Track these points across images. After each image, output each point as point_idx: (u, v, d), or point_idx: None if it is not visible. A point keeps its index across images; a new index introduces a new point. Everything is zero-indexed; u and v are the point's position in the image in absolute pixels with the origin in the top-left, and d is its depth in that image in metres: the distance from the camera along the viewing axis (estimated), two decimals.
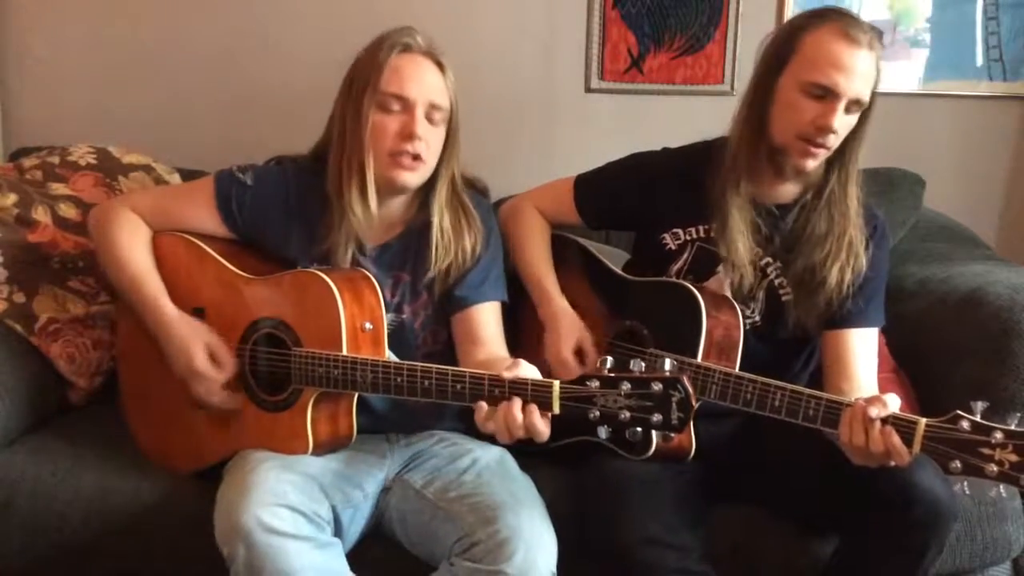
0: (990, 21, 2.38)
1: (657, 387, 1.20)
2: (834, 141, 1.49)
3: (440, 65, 1.52)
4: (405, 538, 1.51)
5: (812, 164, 1.52)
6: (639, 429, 1.22)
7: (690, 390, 1.19)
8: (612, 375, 1.23)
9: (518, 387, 1.30)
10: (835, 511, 1.50)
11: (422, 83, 1.48)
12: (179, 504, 1.57)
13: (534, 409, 1.29)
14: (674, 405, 1.20)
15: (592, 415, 1.23)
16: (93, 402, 1.90)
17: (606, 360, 1.25)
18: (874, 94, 1.50)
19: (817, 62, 1.46)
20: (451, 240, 1.56)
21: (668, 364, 1.22)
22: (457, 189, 1.59)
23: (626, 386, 1.21)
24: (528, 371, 1.33)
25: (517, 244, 1.74)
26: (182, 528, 1.51)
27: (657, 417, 1.20)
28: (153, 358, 1.59)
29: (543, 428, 1.29)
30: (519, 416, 1.29)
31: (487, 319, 1.59)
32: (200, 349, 1.51)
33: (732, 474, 1.60)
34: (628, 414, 1.21)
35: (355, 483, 1.50)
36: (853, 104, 1.47)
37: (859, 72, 1.45)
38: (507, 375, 1.31)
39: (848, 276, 1.54)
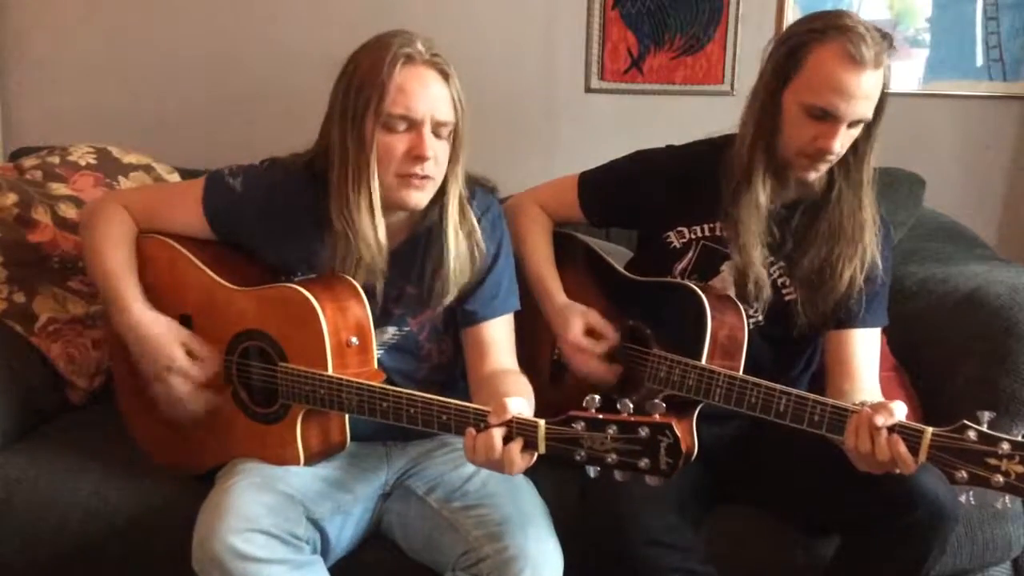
0: (990, 21, 2.38)
1: (644, 432, 1.16)
2: (835, 157, 1.49)
3: (445, 74, 1.42)
4: (406, 544, 1.51)
5: (814, 176, 1.52)
6: (628, 473, 1.19)
7: (679, 435, 1.15)
8: (599, 416, 1.19)
9: (503, 425, 1.27)
10: (837, 512, 1.50)
11: (428, 99, 1.39)
12: (179, 504, 1.56)
13: (517, 442, 1.25)
14: (663, 450, 1.16)
15: (578, 456, 1.20)
16: (93, 402, 1.90)
17: (594, 399, 1.22)
18: (884, 94, 1.48)
19: (819, 85, 1.44)
20: (466, 255, 1.50)
21: (657, 406, 1.18)
22: (464, 203, 1.51)
23: (612, 429, 1.18)
24: (518, 409, 1.28)
25: (519, 242, 1.73)
26: (182, 528, 1.50)
27: (645, 462, 1.17)
28: None
29: (519, 461, 1.25)
30: (498, 446, 1.25)
31: (497, 333, 1.54)
32: (176, 345, 1.47)
33: (734, 475, 1.60)
34: (615, 457, 1.18)
35: (347, 488, 1.49)
36: (856, 122, 1.46)
37: (862, 95, 1.43)
38: (493, 420, 1.27)
39: (859, 278, 1.53)
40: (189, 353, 1.49)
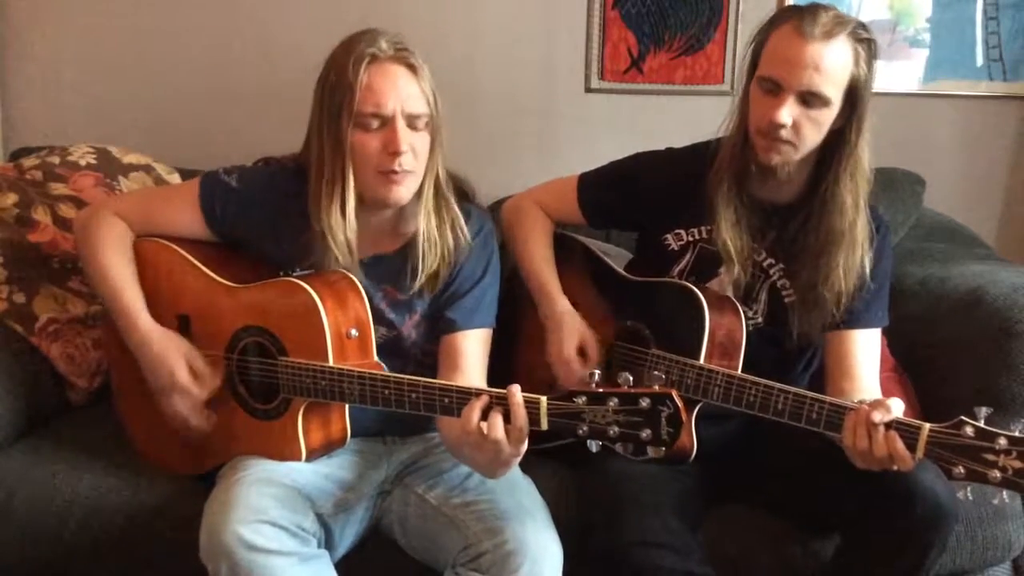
0: (990, 21, 2.38)
1: (645, 403, 1.18)
2: (790, 135, 1.46)
3: (412, 67, 1.44)
4: (405, 542, 1.51)
5: (775, 160, 1.49)
6: (630, 444, 1.21)
7: (680, 404, 1.17)
8: (600, 390, 1.21)
9: (503, 402, 1.28)
10: (836, 511, 1.50)
11: (397, 95, 1.41)
12: (178, 504, 1.56)
13: (496, 413, 1.28)
14: (663, 420, 1.18)
15: (581, 431, 1.22)
16: (93, 402, 1.90)
17: (594, 374, 1.24)
18: (862, 88, 1.46)
19: (769, 59, 1.47)
20: (436, 241, 1.52)
21: (657, 378, 1.21)
22: (441, 190, 1.53)
23: (614, 402, 1.20)
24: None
25: (519, 243, 1.74)
26: (182, 528, 1.51)
27: (646, 433, 1.19)
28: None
29: (498, 434, 1.27)
30: (474, 418, 1.28)
31: (472, 346, 1.55)
32: (181, 362, 1.48)
33: (733, 474, 1.60)
34: (617, 429, 1.20)
35: (348, 486, 1.50)
36: (810, 97, 1.44)
37: (809, 64, 1.42)
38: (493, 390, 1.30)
39: (852, 283, 1.53)
40: (192, 370, 1.49)
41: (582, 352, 1.62)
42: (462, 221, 1.55)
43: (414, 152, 1.44)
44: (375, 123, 1.42)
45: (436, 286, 1.55)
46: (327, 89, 1.44)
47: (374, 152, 1.42)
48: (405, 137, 1.42)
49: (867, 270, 1.54)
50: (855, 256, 1.53)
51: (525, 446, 1.30)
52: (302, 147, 1.53)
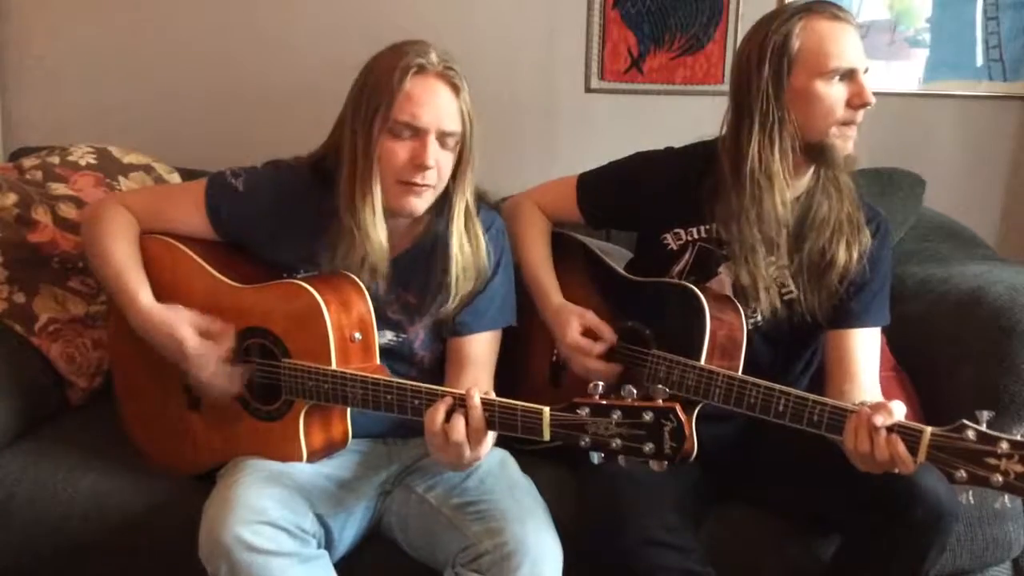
0: (990, 21, 2.38)
1: (649, 416, 1.18)
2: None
3: (455, 87, 1.45)
4: (406, 542, 1.51)
5: (851, 147, 1.52)
6: (632, 457, 1.21)
7: (683, 418, 1.17)
8: (603, 403, 1.21)
9: (506, 413, 1.29)
10: (836, 512, 1.50)
11: (435, 110, 1.42)
12: (178, 504, 1.56)
13: (457, 416, 1.30)
14: (667, 434, 1.18)
15: (583, 442, 1.22)
16: (93, 402, 1.90)
17: (598, 385, 1.23)
18: None
19: (825, 52, 1.47)
20: (471, 266, 1.52)
21: (661, 391, 1.21)
22: (471, 214, 1.53)
23: (617, 414, 1.20)
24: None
25: (518, 243, 1.73)
26: (181, 528, 1.51)
27: (649, 446, 1.19)
28: (144, 362, 1.57)
29: (458, 434, 1.30)
30: (438, 420, 1.31)
31: (481, 348, 1.56)
32: (187, 330, 1.46)
33: (734, 475, 1.61)
34: (620, 442, 1.20)
35: (349, 487, 1.50)
36: (865, 76, 1.50)
37: (858, 44, 1.49)
38: (497, 398, 1.30)
39: (855, 252, 1.54)
40: (203, 333, 1.48)
41: (589, 334, 1.60)
42: (487, 245, 1.55)
43: (439, 169, 1.45)
44: (407, 133, 1.43)
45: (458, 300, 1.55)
46: (366, 90, 1.44)
47: (400, 162, 1.43)
48: (434, 153, 1.43)
49: (868, 243, 1.55)
50: (855, 226, 1.54)
51: (487, 448, 1.32)
52: (324, 145, 1.53)
